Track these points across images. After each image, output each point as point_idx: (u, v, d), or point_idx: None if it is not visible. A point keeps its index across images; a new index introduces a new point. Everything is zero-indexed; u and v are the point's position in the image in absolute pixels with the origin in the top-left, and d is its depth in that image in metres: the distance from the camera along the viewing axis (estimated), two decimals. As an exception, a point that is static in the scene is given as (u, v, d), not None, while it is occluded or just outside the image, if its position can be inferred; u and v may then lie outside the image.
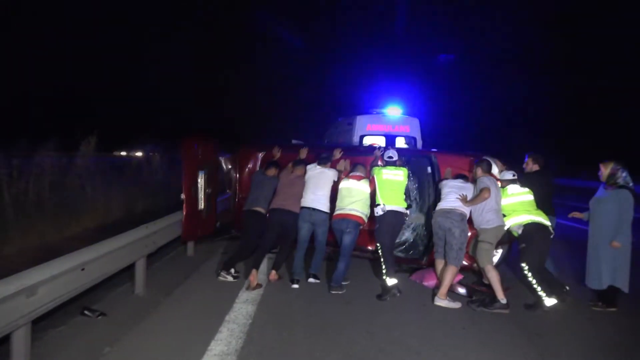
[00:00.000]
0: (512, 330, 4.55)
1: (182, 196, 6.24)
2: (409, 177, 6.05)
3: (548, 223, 5.21)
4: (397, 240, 6.17)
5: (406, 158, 6.36)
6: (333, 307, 5.01)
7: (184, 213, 6.29)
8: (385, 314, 4.87)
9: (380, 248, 5.56)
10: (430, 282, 5.86)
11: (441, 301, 5.15)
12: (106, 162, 10.13)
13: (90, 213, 8.42)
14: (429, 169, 6.28)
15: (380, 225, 5.58)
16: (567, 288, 5.40)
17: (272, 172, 6.16)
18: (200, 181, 6.57)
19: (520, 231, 5.21)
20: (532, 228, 5.16)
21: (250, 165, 7.17)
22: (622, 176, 5.07)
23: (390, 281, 5.37)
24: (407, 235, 6.46)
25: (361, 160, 6.25)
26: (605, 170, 5.18)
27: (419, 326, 4.56)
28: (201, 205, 6.63)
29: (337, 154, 6.35)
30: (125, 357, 3.74)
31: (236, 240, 7.93)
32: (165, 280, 5.76)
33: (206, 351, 3.80)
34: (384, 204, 5.53)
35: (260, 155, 7.13)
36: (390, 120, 10.22)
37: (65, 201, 8.03)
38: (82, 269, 4.04)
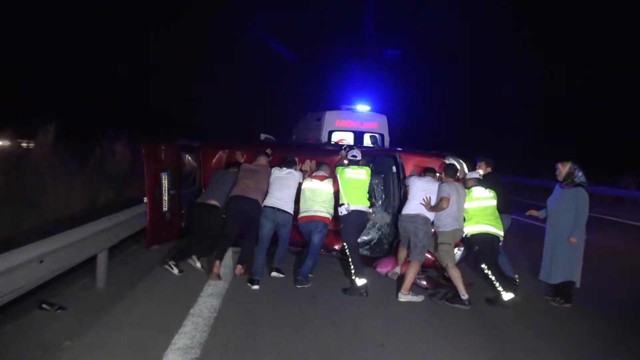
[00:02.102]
0: (472, 323, 4.70)
1: (145, 200, 6.11)
2: (374, 176, 6.19)
3: (500, 233, 5.42)
4: (363, 239, 6.27)
5: (371, 157, 6.49)
6: (299, 301, 5.03)
7: (148, 219, 6.05)
8: (351, 307, 4.94)
9: (347, 248, 5.58)
10: (382, 269, 6.08)
11: (404, 297, 5.26)
12: (66, 152, 9.76)
13: (50, 204, 8.13)
14: (394, 169, 6.42)
15: (345, 225, 5.63)
16: (517, 281, 5.66)
17: (233, 169, 6.20)
18: (164, 182, 6.39)
19: (469, 236, 5.48)
20: (480, 237, 5.40)
21: (213, 162, 7.09)
22: (579, 175, 5.28)
23: (360, 281, 5.39)
24: (372, 234, 6.56)
25: (327, 161, 6.30)
26: (563, 169, 5.38)
27: (383, 319, 4.65)
28: (165, 207, 6.46)
29: (307, 165, 6.35)
30: (85, 352, 3.65)
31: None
32: (128, 274, 5.64)
33: (170, 345, 3.76)
34: (348, 204, 5.58)
35: (223, 152, 7.06)
36: (358, 117, 10.32)
37: (22, 191, 7.73)
38: (41, 262, 3.90)
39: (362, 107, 10.59)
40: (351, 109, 10.49)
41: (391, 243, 6.32)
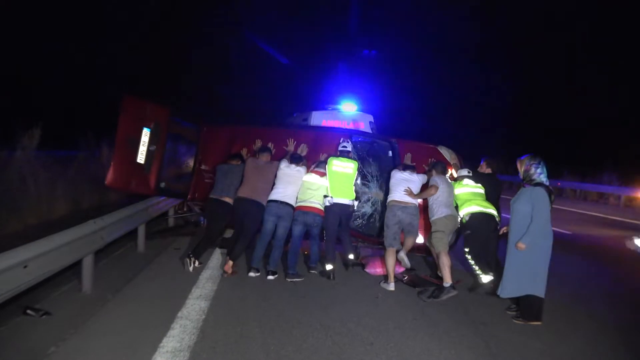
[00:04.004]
0: (459, 320, 4.74)
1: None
2: (372, 157, 6.73)
3: (495, 213, 5.57)
4: (355, 213, 6.51)
5: (370, 141, 6.95)
6: (287, 302, 5.03)
7: (113, 157, 6.35)
8: (339, 306, 4.94)
9: (325, 235, 6.03)
10: (371, 270, 6.23)
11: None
12: (49, 156, 9.62)
13: (33, 208, 8.01)
14: (390, 153, 6.75)
15: (327, 214, 5.98)
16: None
17: (236, 161, 6.33)
18: (144, 138, 6.49)
19: (467, 218, 5.58)
20: (479, 217, 5.52)
21: (213, 140, 7.15)
22: (537, 172, 4.78)
23: (328, 266, 5.88)
24: (366, 208, 6.69)
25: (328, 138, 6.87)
26: (521, 167, 4.95)
27: (371, 318, 4.66)
28: (141, 159, 6.49)
29: (304, 150, 6.62)
30: (71, 357, 3.60)
31: (187, 236, 7.87)
32: (114, 278, 5.58)
33: (158, 348, 3.72)
34: (331, 196, 5.94)
35: (225, 131, 7.27)
36: (345, 117, 10.33)
37: (4, 196, 7.60)
38: (25, 267, 3.85)
39: (349, 107, 10.60)
40: (337, 109, 10.50)
41: (382, 224, 6.49)
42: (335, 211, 5.94)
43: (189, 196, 7.14)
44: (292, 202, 5.98)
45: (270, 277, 5.75)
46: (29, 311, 4.32)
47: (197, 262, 5.95)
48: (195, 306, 4.69)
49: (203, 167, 7.03)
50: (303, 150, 6.54)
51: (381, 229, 6.45)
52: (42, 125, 9.09)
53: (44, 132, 9.14)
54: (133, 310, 4.58)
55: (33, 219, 7.83)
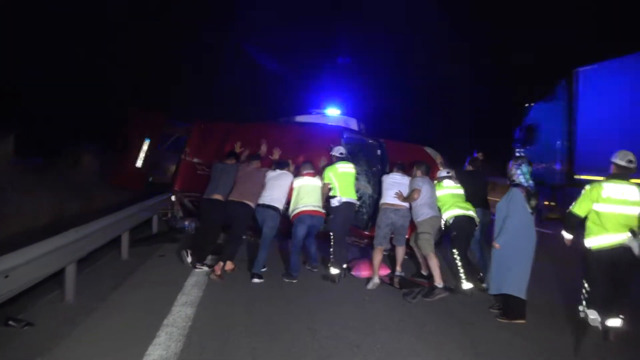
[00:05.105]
0: (445, 320, 4.79)
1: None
2: (363, 155, 7.13)
3: (474, 215, 5.71)
4: None
5: (361, 141, 7.33)
6: (274, 306, 5.02)
7: (124, 167, 8.03)
8: (326, 310, 4.96)
9: (332, 237, 6.02)
10: (356, 273, 6.29)
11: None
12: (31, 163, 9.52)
13: (15, 217, 7.89)
14: (379, 152, 7.19)
15: (336, 215, 6.07)
16: (481, 274, 5.84)
17: (231, 160, 6.52)
18: (144, 146, 7.95)
19: (452, 221, 5.69)
20: (462, 219, 5.65)
21: (208, 135, 7.69)
22: (517, 173, 4.93)
23: (334, 271, 5.87)
24: None
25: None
26: (507, 169, 5.10)
27: (358, 320, 4.68)
28: (139, 163, 7.98)
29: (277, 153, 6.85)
30: (55, 368, 3.55)
31: (172, 242, 7.80)
32: (98, 286, 5.50)
33: (144, 356, 3.69)
34: (340, 196, 6.04)
35: (219, 127, 7.83)
36: (329, 121, 10.35)
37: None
38: (6, 276, 3.77)
39: (333, 111, 10.63)
40: (321, 113, 10.52)
41: (370, 215, 6.85)
42: (344, 210, 6.06)
43: (176, 187, 7.58)
44: (277, 204, 6.08)
45: (255, 281, 5.76)
46: (10, 322, 4.24)
47: (191, 256, 6.13)
48: (181, 313, 4.66)
49: (196, 160, 7.51)
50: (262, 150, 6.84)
51: (367, 223, 6.76)
52: (29, 133, 9.08)
53: (32, 140, 9.12)
54: (118, 319, 4.52)
55: (15, 228, 7.71)
